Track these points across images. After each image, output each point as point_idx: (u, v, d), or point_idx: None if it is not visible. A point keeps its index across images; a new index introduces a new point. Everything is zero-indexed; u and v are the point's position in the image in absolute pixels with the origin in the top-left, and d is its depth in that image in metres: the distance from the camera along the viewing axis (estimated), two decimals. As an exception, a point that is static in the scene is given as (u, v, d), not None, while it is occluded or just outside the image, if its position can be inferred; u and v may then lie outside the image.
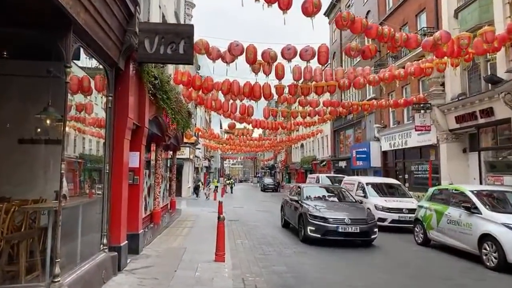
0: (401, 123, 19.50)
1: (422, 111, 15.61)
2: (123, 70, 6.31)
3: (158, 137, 11.12)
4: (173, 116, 10.62)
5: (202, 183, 28.05)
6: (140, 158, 7.75)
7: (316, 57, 9.85)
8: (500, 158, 13.11)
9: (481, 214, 7.56)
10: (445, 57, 11.55)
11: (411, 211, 12.23)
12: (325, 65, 11.23)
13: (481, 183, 13.50)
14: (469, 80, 14.30)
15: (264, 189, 44.04)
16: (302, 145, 42.54)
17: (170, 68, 13.20)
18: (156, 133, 10.66)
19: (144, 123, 7.70)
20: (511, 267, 6.78)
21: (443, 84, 15.31)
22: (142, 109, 7.62)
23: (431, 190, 10.13)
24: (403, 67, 12.76)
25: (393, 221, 12.24)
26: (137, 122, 7.41)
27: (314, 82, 12.11)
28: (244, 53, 9.80)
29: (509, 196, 8.31)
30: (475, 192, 8.25)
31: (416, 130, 15.95)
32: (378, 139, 21.89)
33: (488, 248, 7.22)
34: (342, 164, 28.64)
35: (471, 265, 7.48)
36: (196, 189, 31.18)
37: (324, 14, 33.35)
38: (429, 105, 15.47)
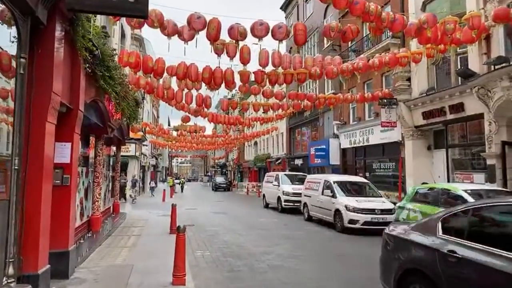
0: (362, 119, 18.94)
1: (388, 107, 14.98)
2: (45, 25, 4.46)
3: (98, 127, 9.14)
4: (117, 102, 8.72)
5: (137, 182, 24.92)
6: (72, 151, 5.87)
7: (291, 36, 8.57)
8: (468, 156, 12.73)
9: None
10: (422, 47, 10.89)
11: (384, 211, 11.45)
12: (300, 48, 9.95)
13: (448, 181, 13.08)
14: (437, 74, 13.86)
15: (216, 188, 42.31)
16: (255, 143, 41.43)
17: (114, 43, 11.17)
18: (96, 123, 8.70)
19: (78, 105, 5.84)
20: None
21: (409, 79, 14.80)
22: (76, 86, 5.76)
23: (412, 189, 9.22)
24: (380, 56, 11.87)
25: (365, 223, 11.32)
26: (67, 102, 5.54)
27: (282, 70, 10.81)
28: (206, 28, 8.22)
29: (494, 195, 7.58)
30: (469, 191, 7.39)
31: (382, 126, 15.32)
32: (337, 136, 21.25)
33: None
34: (298, 162, 27.86)
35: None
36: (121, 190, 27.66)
37: (281, 8, 32.42)
38: (395, 100, 14.88)
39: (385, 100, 15.01)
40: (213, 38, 8.26)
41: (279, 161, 32.12)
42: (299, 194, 16.37)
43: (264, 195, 21.19)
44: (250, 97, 32.69)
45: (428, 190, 8.76)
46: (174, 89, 13.06)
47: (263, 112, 21.30)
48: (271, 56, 9.99)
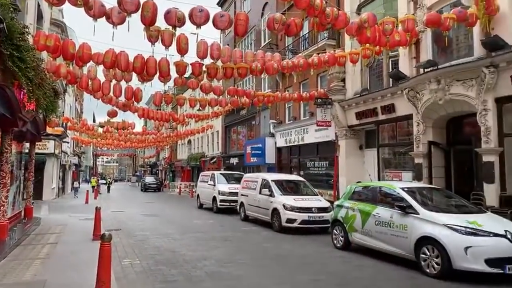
0: (298, 119, 19.12)
1: (324, 107, 15.21)
2: None
3: (6, 119, 7.79)
4: (30, 90, 7.47)
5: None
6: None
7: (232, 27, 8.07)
8: (397, 155, 13.35)
9: (418, 214, 6.80)
10: (360, 48, 11.10)
11: (321, 210, 11.48)
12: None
13: (379, 179, 13.60)
14: (370, 76, 14.35)
15: (145, 189, 40.21)
16: (189, 141, 40.21)
17: (29, 22, 9.69)
18: (2, 113, 7.37)
19: (-27, 88, 4.71)
20: (457, 274, 6.08)
21: (343, 80, 15.17)
22: (-30, 65, 4.63)
23: (350, 187, 9.26)
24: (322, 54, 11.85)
25: (303, 221, 11.23)
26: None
27: (221, 63, 10.27)
28: (140, 11, 7.38)
29: (435, 194, 7.89)
30: (406, 189, 7.53)
31: (317, 126, 15.51)
32: (273, 135, 21.25)
33: (428, 253, 6.46)
34: (234, 161, 27.48)
35: (409, 273, 6.63)
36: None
37: (218, 4, 31.77)
38: (330, 100, 15.15)
39: (321, 100, 15.22)
40: (148, 22, 7.46)
41: (214, 160, 31.45)
42: (236, 194, 15.97)
43: (198, 195, 20.43)
44: (186, 92, 31.65)
45: (366, 188, 8.84)
46: (101, 79, 11.82)
47: (198, 110, 20.58)
48: (210, 48, 9.42)
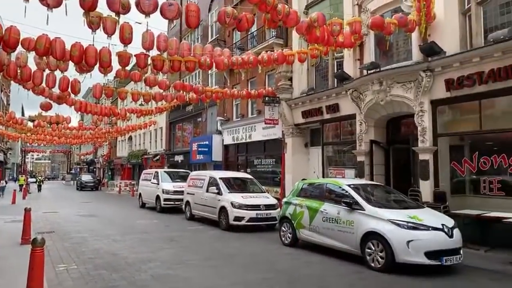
0: (246, 116, 19.07)
1: (272, 105, 15.29)
2: None
3: None
4: None
5: None
6: None
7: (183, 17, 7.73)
8: (341, 153, 13.82)
9: (364, 210, 7.02)
10: (308, 47, 11.28)
11: (269, 207, 11.51)
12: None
13: (323, 176, 13.98)
14: (316, 76, 14.68)
15: (82, 187, 37.77)
16: (130, 138, 38.47)
17: None
18: None
19: None
20: (399, 267, 6.36)
21: (291, 79, 15.36)
22: None
23: (298, 185, 9.36)
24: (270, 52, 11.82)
25: (250, 219, 11.17)
26: None
27: (168, 56, 9.85)
28: (80, -7, 6.77)
29: (379, 191, 8.22)
30: (352, 186, 7.75)
31: (265, 123, 15.56)
32: (220, 133, 21.00)
33: (373, 248, 6.69)
34: (179, 158, 26.76)
35: (355, 268, 6.82)
36: None
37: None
38: (278, 99, 15.27)
39: (269, 98, 15.28)
40: (88, 7, 6.87)
41: (157, 157, 30.38)
42: (181, 192, 15.51)
43: (140, 194, 19.56)
44: (128, 85, 30.17)
45: (313, 185, 8.99)
46: (32, 68, 10.73)
47: (140, 104, 19.67)
48: (156, 39, 8.96)
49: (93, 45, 8.77)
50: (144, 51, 9.30)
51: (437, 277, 6.14)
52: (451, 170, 9.99)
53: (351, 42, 10.74)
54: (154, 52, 9.56)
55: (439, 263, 6.18)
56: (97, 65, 9.16)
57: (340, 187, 7.93)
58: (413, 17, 9.69)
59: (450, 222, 6.70)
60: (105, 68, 9.54)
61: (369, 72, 11.14)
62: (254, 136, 18.01)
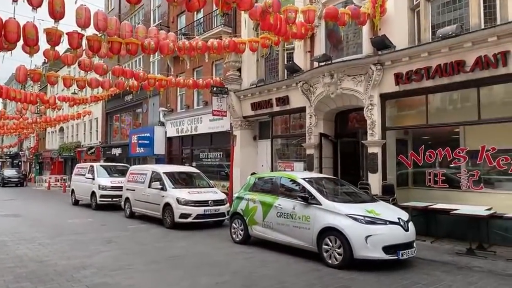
0: (191, 107, 18.22)
1: (220, 96, 14.66)
2: None
3: None
4: None
5: None
6: None
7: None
8: (290, 146, 13.64)
9: (321, 205, 6.75)
10: (259, 36, 10.83)
11: (217, 202, 10.94)
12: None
13: (272, 169, 13.73)
14: (266, 67, 14.31)
15: (4, 183, 33.97)
16: (61, 129, 35.39)
17: None
18: None
19: None
20: (356, 263, 6.18)
21: (240, 70, 14.84)
22: None
23: (250, 179, 8.90)
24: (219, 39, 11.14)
25: (198, 216, 10.52)
26: None
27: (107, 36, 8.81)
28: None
29: (334, 184, 8.03)
30: (307, 179, 7.46)
31: (213, 115, 14.89)
32: (163, 124, 19.89)
33: (330, 244, 6.44)
34: (116, 151, 25.05)
35: (312, 266, 6.54)
36: None
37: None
38: (226, 89, 14.68)
39: (217, 89, 14.62)
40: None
41: (92, 150, 28.20)
42: (120, 188, 14.34)
43: (73, 190, 17.85)
44: (62, 69, 27.52)
45: (267, 179, 8.59)
46: None
47: (73, 93, 17.91)
48: (94, 16, 7.95)
49: (14, 18, 7.49)
50: (79, 29, 8.21)
51: (393, 272, 6.05)
52: (398, 163, 10.20)
53: (302, 32, 10.51)
54: (91, 32, 8.53)
55: (396, 257, 6.10)
56: (21, 43, 7.89)
57: (295, 181, 7.60)
58: (365, 10, 9.65)
59: (405, 216, 6.68)
60: (31, 47, 8.24)
61: (320, 64, 10.98)
62: (200, 128, 17.26)
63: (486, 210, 7.53)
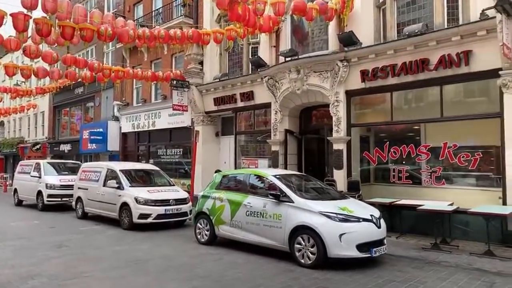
0: (149, 101, 17.35)
1: (180, 89, 14.03)
2: None
3: None
4: None
5: None
6: None
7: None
8: (254, 142, 13.36)
9: (293, 202, 6.52)
10: (225, 28, 10.43)
11: (179, 201, 10.42)
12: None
13: (235, 166, 13.39)
14: (229, 61, 13.90)
15: None
16: (2, 123, 32.55)
17: None
18: None
19: None
20: (330, 262, 6.02)
21: (202, 63, 14.29)
22: None
23: (217, 176, 8.49)
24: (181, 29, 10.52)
25: (158, 216, 9.93)
26: None
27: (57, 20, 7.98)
28: None
29: (305, 181, 7.83)
30: (278, 177, 7.21)
31: (173, 110, 14.22)
32: (117, 119, 18.80)
33: (303, 243, 6.23)
34: (65, 148, 23.40)
35: (285, 266, 6.29)
36: None
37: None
38: (187, 83, 14.08)
39: (177, 82, 13.98)
40: None
41: (37, 146, 26.13)
42: (70, 187, 13.32)
43: (16, 190, 16.35)
44: (4, 57, 25.20)
45: (235, 176, 8.23)
46: None
47: (15, 84, 16.40)
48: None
49: None
50: (25, 10, 7.36)
51: (366, 270, 5.97)
52: (362, 160, 10.28)
53: (269, 26, 10.24)
54: (39, 14, 7.68)
55: (370, 255, 6.02)
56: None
57: (266, 178, 7.32)
58: (333, 6, 9.56)
59: (376, 212, 6.63)
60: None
61: (287, 59, 10.79)
62: (158, 123, 16.48)
63: (448, 205, 7.73)
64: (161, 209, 9.97)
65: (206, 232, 8.04)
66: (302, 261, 6.21)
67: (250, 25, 9.11)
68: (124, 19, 17.67)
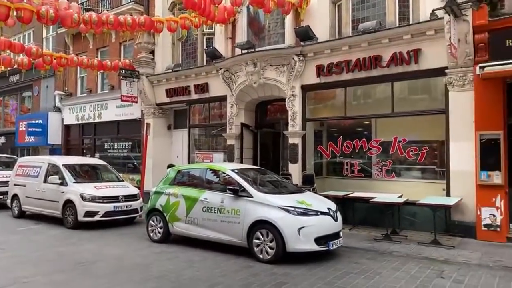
0: (94, 92, 16.30)
1: (130, 79, 13.31)
2: None
3: None
4: None
5: None
6: None
7: None
8: (209, 136, 13.07)
9: (252, 197, 6.40)
10: (179, 16, 10.02)
11: (129, 198, 9.90)
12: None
13: (189, 161, 13.02)
14: (183, 52, 13.41)
15: None
16: None
17: None
18: None
19: None
20: (287, 257, 5.99)
21: (153, 52, 13.65)
22: None
23: (171, 171, 8.14)
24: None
25: (106, 213, 9.36)
26: None
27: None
28: None
29: (262, 175, 7.73)
30: (236, 171, 7.05)
31: (122, 101, 13.46)
32: (59, 110, 17.48)
33: (262, 238, 6.15)
34: (-1, 140, 21.39)
35: (244, 262, 6.16)
36: None
37: None
38: (137, 73, 13.38)
39: (126, 72, 13.23)
40: None
41: (-35, 139, 23.61)
42: (5, 183, 12.17)
43: None
44: None
45: (190, 171, 7.92)
46: None
47: None
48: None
49: None
50: None
51: (324, 263, 6.02)
52: (317, 154, 10.43)
53: (224, 17, 10.00)
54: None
55: (327, 248, 6.08)
56: None
57: (223, 173, 7.12)
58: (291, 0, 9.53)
59: (333, 205, 6.71)
60: None
61: (243, 51, 10.60)
62: (105, 115, 15.55)
63: (398, 197, 8.06)
64: (109, 206, 9.40)
65: (160, 230, 7.69)
66: (261, 256, 6.12)
67: (206, 15, 8.80)
68: (68, 1, 16.50)
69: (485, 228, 7.30)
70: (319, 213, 6.23)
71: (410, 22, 8.52)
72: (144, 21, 9.30)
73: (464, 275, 5.34)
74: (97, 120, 15.92)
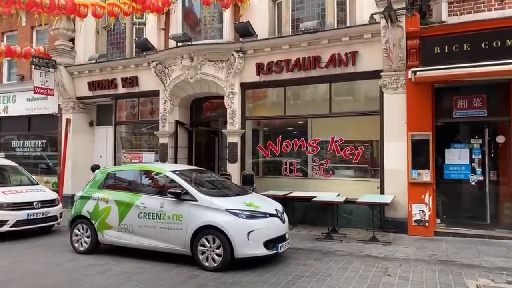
0: (0, 82, 14.16)
1: (44, 69, 11.76)
2: None
3: None
4: None
5: None
6: None
7: None
8: (138, 134, 12.11)
9: (196, 200, 5.93)
10: (107, 2, 9.07)
11: (46, 203, 8.72)
12: None
13: (114, 161, 11.94)
14: (108, 41, 12.22)
15: None
16: None
17: None
18: None
19: None
20: (236, 263, 5.65)
21: (73, 40, 12.24)
22: None
23: (100, 173, 7.25)
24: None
25: (18, 222, 8.08)
26: None
27: None
28: None
29: (205, 177, 7.26)
30: (178, 172, 6.50)
31: (35, 93, 11.82)
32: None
33: (208, 244, 5.71)
34: None
35: (188, 272, 5.65)
36: None
37: None
38: (54, 62, 11.89)
39: (40, 60, 11.67)
40: None
41: None
42: None
43: None
44: None
45: (123, 173, 7.12)
46: None
47: None
48: None
49: None
50: None
51: (272, 267, 5.81)
52: (255, 153, 10.24)
53: (158, 6, 9.33)
54: None
55: (276, 251, 5.87)
56: None
57: (162, 174, 6.53)
58: (230, -7, 9.17)
59: (280, 207, 6.52)
60: None
61: (179, 44, 9.97)
62: (13, 109, 13.61)
63: (336, 196, 8.21)
64: (22, 214, 8.13)
65: (86, 239, 6.80)
66: (207, 264, 5.69)
67: (141, 2, 8.05)
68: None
69: (415, 224, 7.77)
70: (267, 215, 6.00)
71: (347, 25, 8.73)
72: (65, 3, 8.18)
73: (407, 271, 5.53)
74: (3, 114, 13.90)
